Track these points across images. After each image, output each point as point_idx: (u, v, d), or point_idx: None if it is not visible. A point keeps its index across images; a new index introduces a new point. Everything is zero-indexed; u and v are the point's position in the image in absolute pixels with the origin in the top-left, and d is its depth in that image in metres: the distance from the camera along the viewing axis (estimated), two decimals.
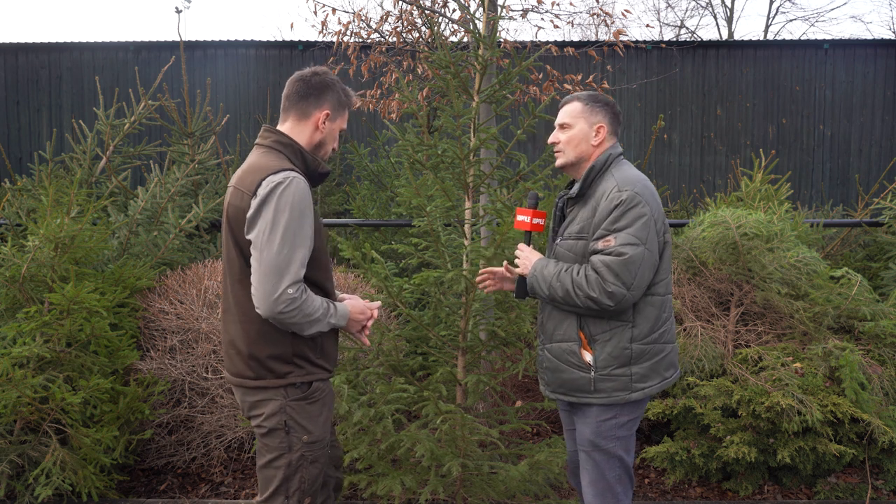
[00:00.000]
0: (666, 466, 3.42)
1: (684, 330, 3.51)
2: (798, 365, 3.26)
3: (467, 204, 2.97)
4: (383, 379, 3.00)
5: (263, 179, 1.93)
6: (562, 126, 2.32)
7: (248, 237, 1.95)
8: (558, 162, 2.33)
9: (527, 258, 2.32)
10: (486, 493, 2.90)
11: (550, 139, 2.35)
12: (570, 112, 2.31)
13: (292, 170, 1.98)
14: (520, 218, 2.40)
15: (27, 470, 3.11)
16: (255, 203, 1.93)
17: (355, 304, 2.17)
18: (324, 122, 2.11)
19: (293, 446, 2.01)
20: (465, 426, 2.76)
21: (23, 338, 3.14)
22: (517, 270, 2.35)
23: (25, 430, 3.16)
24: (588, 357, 2.22)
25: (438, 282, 2.83)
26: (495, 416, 3.15)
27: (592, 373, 2.22)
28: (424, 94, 4.70)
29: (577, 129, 2.28)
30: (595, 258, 2.15)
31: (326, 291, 2.12)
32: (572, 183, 2.40)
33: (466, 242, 2.97)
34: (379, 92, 5.04)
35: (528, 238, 2.40)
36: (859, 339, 3.49)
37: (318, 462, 2.07)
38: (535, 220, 2.38)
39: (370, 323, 2.22)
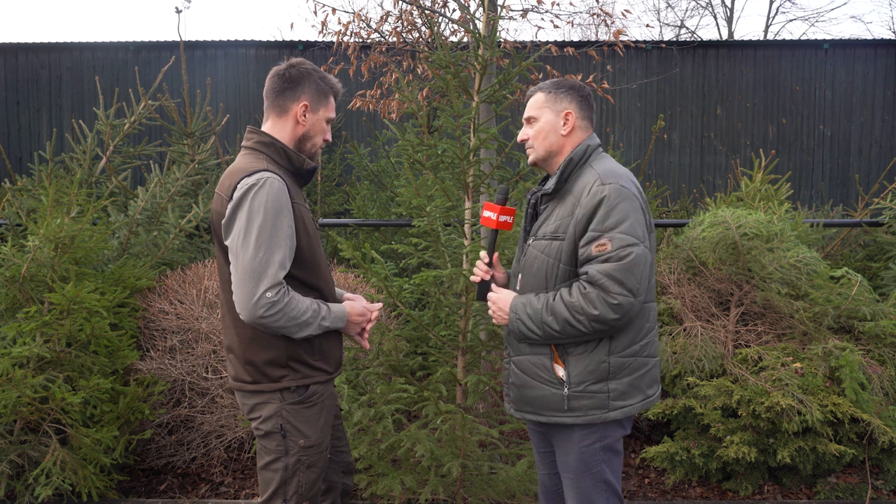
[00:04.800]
0: (666, 466, 3.42)
1: (684, 330, 3.51)
2: (798, 365, 3.26)
3: (467, 204, 2.97)
4: (383, 379, 3.00)
5: (238, 182, 1.90)
6: (528, 120, 2.13)
7: (226, 242, 1.92)
8: (530, 159, 2.14)
9: (501, 300, 2.08)
10: (485, 493, 2.90)
11: (519, 136, 2.16)
12: (533, 104, 2.11)
13: (267, 170, 1.92)
14: (486, 214, 2.16)
15: (27, 470, 3.11)
16: (230, 207, 1.89)
17: (354, 307, 2.12)
18: (303, 115, 2.04)
19: (290, 450, 1.98)
20: (465, 426, 2.76)
21: (23, 338, 3.14)
22: (495, 320, 2.10)
23: (25, 430, 3.16)
24: (560, 371, 1.98)
25: (438, 281, 2.83)
26: (495, 416, 3.15)
27: (566, 389, 1.98)
28: (424, 94, 4.70)
29: (543, 120, 2.08)
30: (592, 269, 1.89)
31: (321, 293, 2.06)
32: (546, 178, 2.19)
33: (466, 242, 2.97)
34: (379, 92, 5.04)
35: (494, 237, 2.19)
36: (859, 339, 3.49)
37: (316, 466, 2.04)
38: (503, 218, 2.14)
39: (370, 326, 2.17)
